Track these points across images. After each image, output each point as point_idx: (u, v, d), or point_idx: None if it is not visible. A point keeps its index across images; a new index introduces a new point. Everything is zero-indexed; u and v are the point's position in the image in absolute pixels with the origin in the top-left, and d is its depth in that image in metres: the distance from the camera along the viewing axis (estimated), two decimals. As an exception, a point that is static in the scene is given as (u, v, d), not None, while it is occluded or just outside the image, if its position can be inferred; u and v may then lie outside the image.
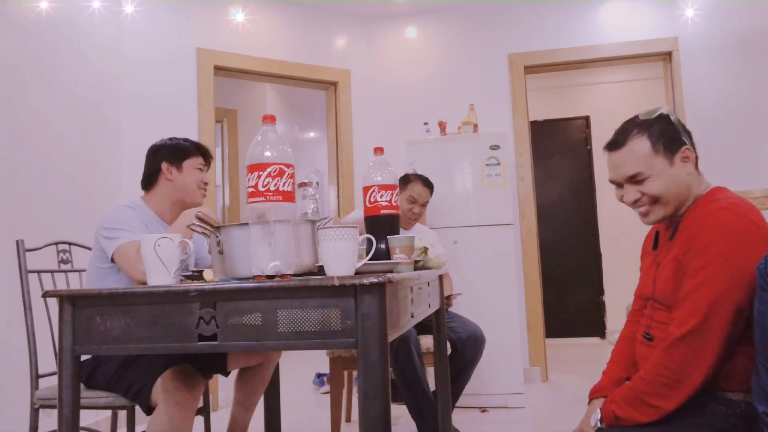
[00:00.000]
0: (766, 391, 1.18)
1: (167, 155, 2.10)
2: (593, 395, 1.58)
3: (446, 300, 3.00)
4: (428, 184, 3.15)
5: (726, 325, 1.26)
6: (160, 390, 1.71)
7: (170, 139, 2.17)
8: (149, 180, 2.12)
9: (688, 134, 1.45)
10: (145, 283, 1.40)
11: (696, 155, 1.45)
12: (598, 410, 1.41)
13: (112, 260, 1.90)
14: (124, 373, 1.83)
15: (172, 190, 2.09)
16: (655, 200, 1.43)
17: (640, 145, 1.41)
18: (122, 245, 1.86)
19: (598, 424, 1.39)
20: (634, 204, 1.46)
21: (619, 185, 1.48)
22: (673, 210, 1.44)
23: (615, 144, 1.45)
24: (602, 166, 6.02)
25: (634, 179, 1.43)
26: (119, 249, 1.86)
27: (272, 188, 1.23)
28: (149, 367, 1.78)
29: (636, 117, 1.47)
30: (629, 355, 1.58)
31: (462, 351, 2.79)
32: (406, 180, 3.11)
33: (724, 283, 1.25)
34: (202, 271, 1.55)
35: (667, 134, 1.42)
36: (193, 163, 2.11)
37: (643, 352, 1.49)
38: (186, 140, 2.17)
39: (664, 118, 1.44)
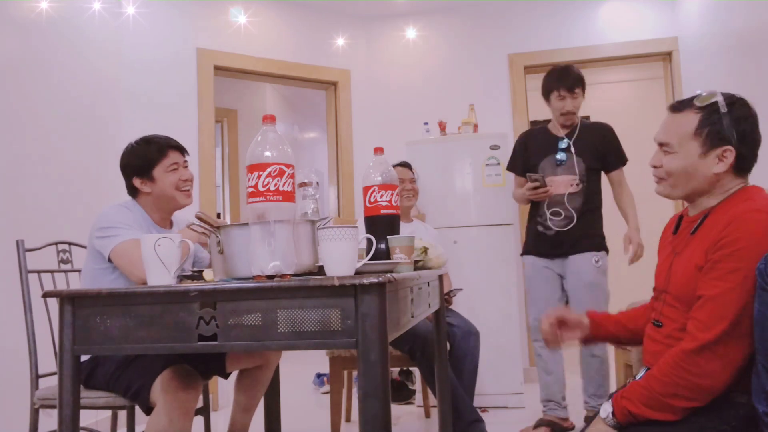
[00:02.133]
0: (766, 391, 1.17)
1: (135, 171, 2.02)
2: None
3: (446, 296, 3.00)
4: (405, 164, 3.33)
5: (753, 331, 1.23)
6: (158, 390, 1.71)
7: (134, 146, 2.05)
8: (131, 192, 2.07)
9: (743, 135, 1.38)
10: (146, 283, 1.40)
11: (742, 160, 1.39)
12: (609, 403, 1.37)
13: (110, 260, 1.89)
14: (123, 374, 1.83)
15: (155, 200, 2.04)
16: (668, 175, 1.44)
17: (688, 120, 1.39)
18: (121, 244, 1.84)
19: (610, 417, 1.35)
20: (654, 169, 1.48)
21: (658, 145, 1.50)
22: (680, 195, 1.45)
23: (675, 107, 1.45)
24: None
25: (663, 147, 1.44)
26: (117, 248, 1.85)
27: (272, 188, 1.23)
28: (148, 367, 1.78)
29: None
30: (628, 318, 1.62)
31: (456, 347, 2.79)
32: None
33: (755, 289, 1.21)
34: (202, 271, 1.55)
35: (719, 126, 1.37)
36: (163, 168, 2.00)
37: (650, 346, 1.48)
38: (146, 141, 2.03)
39: (717, 110, 1.38)
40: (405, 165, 3.34)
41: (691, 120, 1.39)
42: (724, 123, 1.36)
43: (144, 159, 2.01)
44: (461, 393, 2.64)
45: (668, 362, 1.31)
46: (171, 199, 2.03)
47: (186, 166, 2.08)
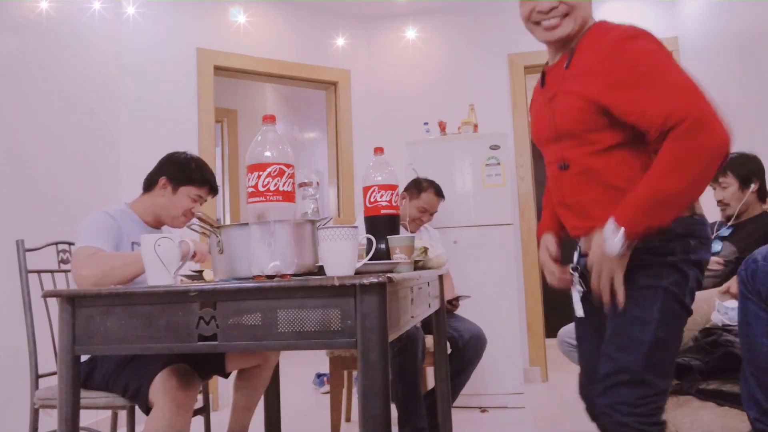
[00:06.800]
0: (755, 398, 1.18)
1: (170, 171, 2.11)
2: (541, 233, 1.60)
3: (453, 302, 3.00)
4: (440, 194, 3.15)
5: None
6: (157, 390, 1.71)
7: (186, 157, 2.15)
8: (149, 183, 2.14)
9: None
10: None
11: None
12: (621, 231, 1.22)
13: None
14: (121, 374, 1.83)
15: (158, 205, 2.11)
16: (569, 11, 1.48)
17: None
18: (79, 248, 1.87)
19: (621, 237, 1.21)
20: (548, 13, 1.50)
21: None
22: (576, 29, 1.50)
23: None
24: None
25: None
26: (74, 251, 1.89)
27: (272, 188, 1.23)
28: (146, 366, 1.78)
29: None
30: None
31: (463, 350, 2.79)
32: (419, 188, 3.11)
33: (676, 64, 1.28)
34: (202, 271, 1.55)
35: None
36: (189, 191, 2.10)
37: (564, 213, 1.45)
38: (199, 166, 2.14)
39: None
40: (440, 195, 3.14)
41: None
42: None
43: (185, 174, 2.10)
44: (420, 398, 2.58)
45: (661, 160, 1.24)
46: (171, 218, 2.12)
47: (203, 203, 2.17)
